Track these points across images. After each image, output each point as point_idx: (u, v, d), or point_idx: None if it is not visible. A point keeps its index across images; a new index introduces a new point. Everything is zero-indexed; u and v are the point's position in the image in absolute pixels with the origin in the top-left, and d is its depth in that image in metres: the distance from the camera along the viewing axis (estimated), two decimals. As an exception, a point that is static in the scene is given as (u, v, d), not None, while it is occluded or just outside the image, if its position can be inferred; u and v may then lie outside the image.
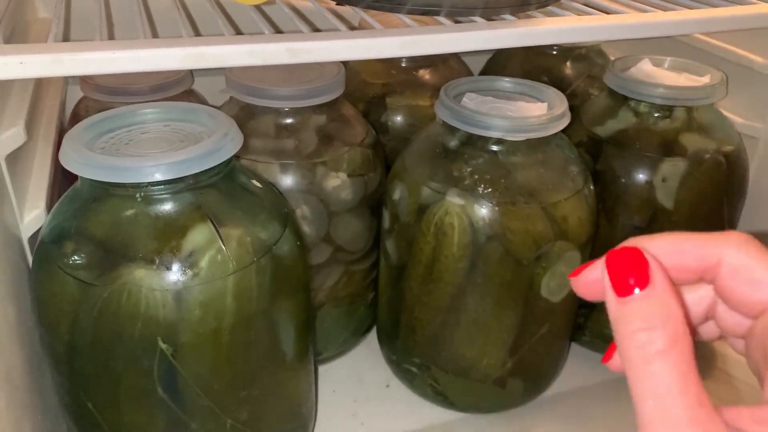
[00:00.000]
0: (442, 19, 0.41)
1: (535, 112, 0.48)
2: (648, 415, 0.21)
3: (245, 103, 0.50)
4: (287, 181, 0.50)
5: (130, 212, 0.36)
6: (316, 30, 0.38)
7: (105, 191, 0.36)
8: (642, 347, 0.21)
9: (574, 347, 0.62)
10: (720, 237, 0.24)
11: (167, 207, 0.36)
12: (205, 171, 0.36)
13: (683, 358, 0.21)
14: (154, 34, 0.47)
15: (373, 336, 0.61)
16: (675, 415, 0.20)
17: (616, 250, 0.23)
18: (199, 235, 0.36)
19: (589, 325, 0.61)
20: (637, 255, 0.23)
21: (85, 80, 0.58)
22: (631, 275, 0.22)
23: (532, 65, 0.71)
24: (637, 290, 0.22)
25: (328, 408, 0.56)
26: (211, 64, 0.33)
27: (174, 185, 0.36)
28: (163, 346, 0.36)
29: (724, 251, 0.24)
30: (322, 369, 0.60)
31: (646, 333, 0.21)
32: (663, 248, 0.25)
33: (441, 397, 0.54)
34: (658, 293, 0.22)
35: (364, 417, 0.55)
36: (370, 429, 0.54)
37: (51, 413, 0.44)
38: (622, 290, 0.22)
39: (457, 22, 0.42)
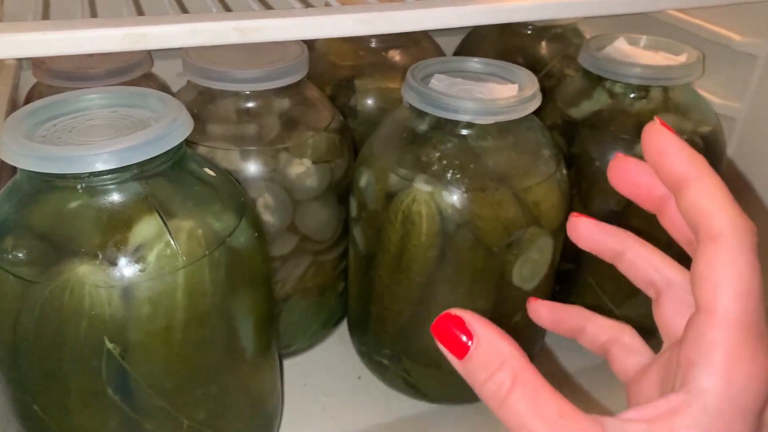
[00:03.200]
0: (405, -4, 0.39)
1: (505, 93, 0.46)
2: None
3: (204, 87, 0.48)
4: (249, 168, 0.48)
5: (72, 205, 0.34)
6: (270, 8, 0.36)
7: (45, 183, 0.34)
8: (494, 394, 0.23)
9: (549, 335, 0.61)
10: (680, 267, 0.29)
11: (112, 198, 0.34)
12: (152, 159, 0.34)
13: (530, 386, 0.23)
14: (94, 14, 0.44)
15: (344, 328, 0.60)
16: (541, 425, 0.22)
17: (434, 323, 0.24)
18: (146, 227, 0.34)
19: (564, 312, 0.59)
20: (453, 318, 0.24)
21: (37, 65, 0.55)
22: (458, 335, 0.24)
23: (507, 45, 0.69)
24: (470, 343, 0.24)
25: (298, 401, 0.54)
26: (153, 45, 0.30)
27: (118, 175, 0.33)
28: (110, 345, 0.34)
29: (679, 277, 0.28)
30: (291, 362, 0.58)
31: (491, 381, 0.23)
32: (634, 247, 0.29)
33: (413, 389, 0.53)
34: (483, 343, 0.23)
35: (334, 410, 0.54)
36: (340, 422, 0.53)
37: (1, 415, 0.41)
38: (459, 352, 0.24)
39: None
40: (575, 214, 0.30)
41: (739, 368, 0.22)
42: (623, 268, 0.29)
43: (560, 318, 0.33)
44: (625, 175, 0.27)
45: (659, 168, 0.26)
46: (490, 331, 0.24)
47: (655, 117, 0.27)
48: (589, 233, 0.30)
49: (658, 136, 0.26)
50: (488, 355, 0.23)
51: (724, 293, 0.22)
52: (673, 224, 0.27)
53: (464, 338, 0.24)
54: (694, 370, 0.22)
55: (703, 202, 0.24)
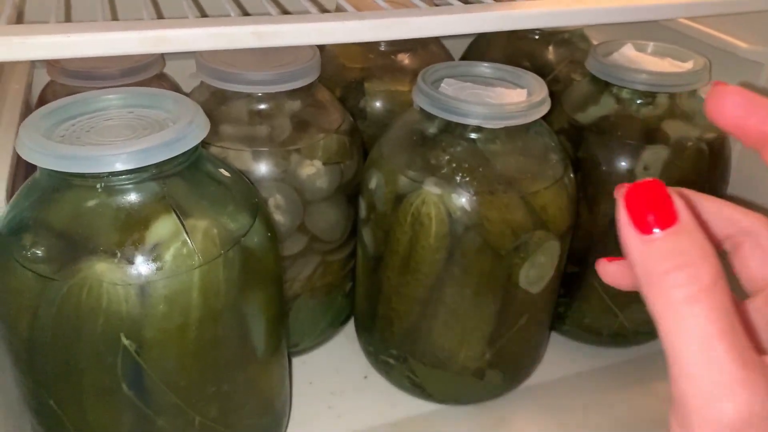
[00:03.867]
0: (418, 2, 0.40)
1: (514, 98, 0.47)
2: (693, 361, 0.18)
3: (216, 88, 0.48)
4: (260, 169, 0.48)
5: (90, 203, 0.34)
6: (286, 13, 0.36)
7: (64, 182, 0.34)
8: (679, 288, 0.19)
9: (554, 337, 0.61)
10: (755, 213, 0.24)
11: (130, 198, 0.34)
12: (170, 160, 0.34)
13: (727, 298, 0.19)
14: (114, 17, 0.45)
15: (350, 327, 0.60)
16: (724, 358, 0.18)
17: (634, 184, 0.20)
18: (163, 227, 0.35)
19: (569, 314, 0.60)
20: (659, 188, 0.20)
21: (51, 64, 0.56)
22: (655, 210, 0.20)
23: (514, 50, 0.70)
24: (657, 230, 0.19)
25: (305, 400, 0.55)
26: (173, 48, 0.31)
27: (136, 175, 0.34)
28: (127, 342, 0.34)
29: (756, 223, 0.24)
30: (298, 360, 0.58)
31: (682, 271, 0.19)
32: (701, 203, 0.24)
33: (419, 389, 0.53)
34: (689, 228, 0.19)
35: (341, 409, 0.55)
36: (347, 421, 0.54)
37: (15, 410, 0.42)
38: (645, 227, 0.19)
39: (435, 5, 0.40)
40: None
41: None
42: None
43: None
44: (724, 103, 0.24)
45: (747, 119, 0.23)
46: (698, 224, 0.20)
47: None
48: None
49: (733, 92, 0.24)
50: (688, 244, 0.19)
51: None
52: None
53: (654, 218, 0.20)
54: None
55: None
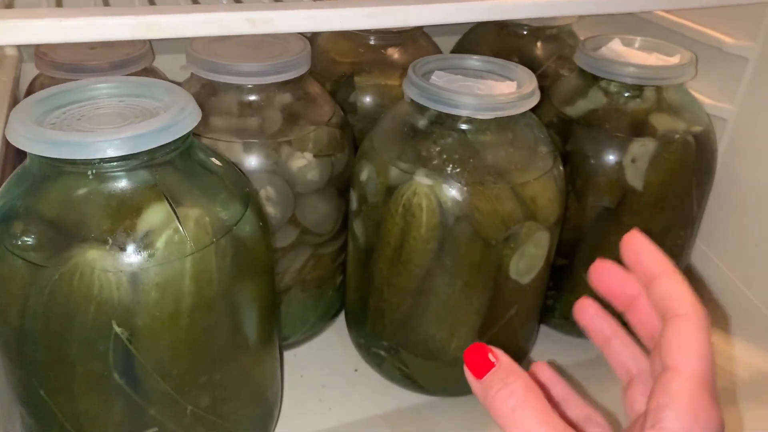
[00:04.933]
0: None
1: (504, 90, 0.47)
2: None
3: (207, 80, 0.48)
4: (251, 160, 0.48)
5: (81, 191, 0.34)
6: (279, 0, 0.37)
7: (55, 169, 0.34)
8: (505, 400, 0.27)
9: (544, 329, 0.62)
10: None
11: (121, 185, 0.34)
12: (161, 147, 0.34)
13: (541, 400, 0.27)
14: (106, 3, 0.45)
15: (341, 320, 0.60)
16: None
17: (467, 350, 0.30)
18: (154, 214, 0.35)
19: (558, 307, 0.60)
20: (481, 347, 0.30)
21: (40, 56, 0.55)
22: (480, 363, 0.29)
23: (503, 45, 0.70)
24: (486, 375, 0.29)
25: (296, 392, 0.55)
26: (165, 34, 0.31)
27: (128, 162, 0.34)
28: (118, 329, 0.34)
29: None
30: (289, 353, 0.58)
31: (504, 389, 0.28)
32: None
33: (410, 380, 0.54)
34: (504, 364, 0.29)
35: (332, 401, 0.55)
36: (338, 413, 0.54)
37: (4, 401, 0.42)
38: (479, 372, 0.29)
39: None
40: (585, 298, 0.36)
41: (702, 411, 0.26)
42: (608, 352, 0.35)
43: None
44: (604, 275, 0.33)
45: (636, 265, 0.32)
46: (512, 362, 0.29)
47: (633, 229, 0.33)
48: (591, 315, 0.35)
49: (636, 240, 0.32)
50: (505, 371, 0.28)
51: (690, 354, 0.27)
52: (640, 320, 0.33)
53: (482, 363, 0.29)
54: (664, 412, 0.26)
55: (670, 290, 0.30)
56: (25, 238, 0.34)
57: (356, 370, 0.57)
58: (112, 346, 0.35)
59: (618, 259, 0.33)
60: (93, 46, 0.57)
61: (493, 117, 0.44)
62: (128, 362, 0.35)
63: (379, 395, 0.55)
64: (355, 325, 0.57)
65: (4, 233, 0.35)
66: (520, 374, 0.28)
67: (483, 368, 0.29)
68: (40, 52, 0.55)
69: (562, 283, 0.59)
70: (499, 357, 0.29)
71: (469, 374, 0.29)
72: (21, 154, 0.35)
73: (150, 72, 0.59)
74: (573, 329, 0.61)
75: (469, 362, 0.29)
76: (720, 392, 0.28)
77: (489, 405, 0.28)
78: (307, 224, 0.52)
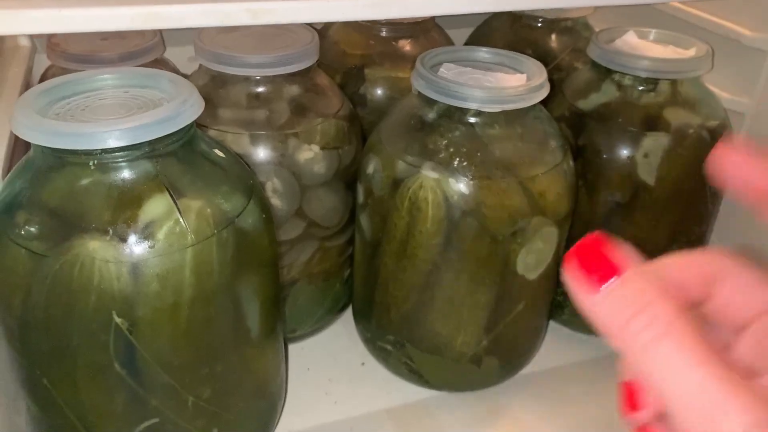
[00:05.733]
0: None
1: (513, 83, 0.46)
2: (679, 395, 0.18)
3: (215, 72, 0.48)
4: (258, 152, 0.48)
5: (83, 181, 0.34)
6: (282, -8, 0.36)
7: (58, 159, 0.34)
8: (643, 331, 0.19)
9: (553, 326, 0.61)
10: (717, 253, 0.23)
11: (123, 176, 0.34)
12: (163, 138, 0.34)
13: (693, 327, 0.19)
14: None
15: (349, 314, 0.60)
16: (709, 384, 0.18)
17: (574, 247, 0.21)
18: (156, 205, 0.35)
19: (568, 303, 0.60)
20: (596, 245, 0.20)
21: (52, 47, 0.56)
22: (596, 268, 0.20)
23: (517, 38, 0.69)
24: (604, 286, 0.20)
25: (302, 386, 0.55)
26: (165, 25, 0.31)
27: (129, 152, 0.34)
28: (119, 320, 0.34)
29: (727, 263, 0.23)
30: (296, 347, 0.58)
31: (641, 315, 0.19)
32: (666, 268, 0.23)
33: (416, 375, 0.53)
34: (633, 275, 0.20)
35: (338, 395, 0.54)
36: (344, 407, 0.53)
37: (9, 389, 0.42)
38: (592, 286, 0.20)
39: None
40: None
41: None
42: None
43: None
44: (732, 165, 0.24)
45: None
46: (646, 268, 0.20)
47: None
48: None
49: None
50: (643, 286, 0.20)
51: None
52: None
53: (603, 272, 0.20)
54: None
55: None
56: (28, 228, 0.35)
57: (363, 364, 0.57)
58: (113, 337, 0.35)
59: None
60: (104, 37, 0.57)
61: (501, 110, 0.44)
62: (129, 353, 0.36)
63: (386, 390, 0.55)
64: (361, 319, 0.57)
65: (7, 223, 0.35)
66: (662, 288, 0.19)
67: (597, 279, 0.20)
68: (52, 43, 0.56)
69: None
70: (622, 263, 0.20)
71: (575, 288, 0.20)
72: (29, 145, 0.35)
73: (160, 63, 0.59)
74: (583, 326, 0.61)
75: (575, 269, 0.20)
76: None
77: (614, 336, 0.20)
78: (314, 217, 0.52)
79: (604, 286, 0.20)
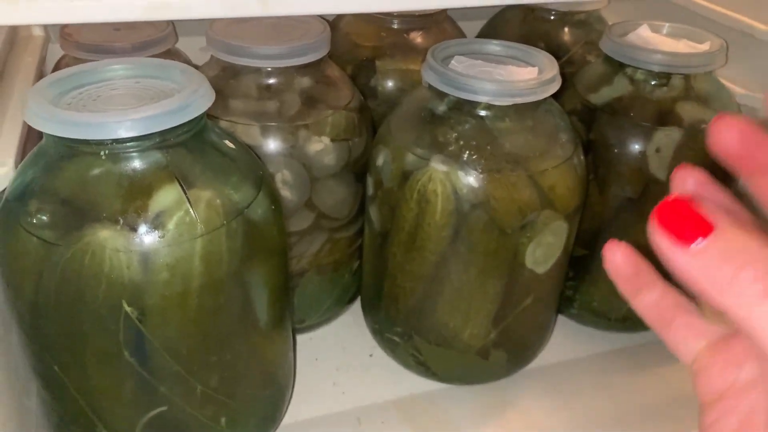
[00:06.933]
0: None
1: (524, 76, 0.46)
2: None
3: (226, 63, 0.48)
4: (268, 144, 0.48)
5: (94, 171, 0.35)
6: (293, -17, 0.36)
7: (69, 149, 0.35)
8: (752, 285, 0.17)
9: (562, 320, 0.61)
10: None
11: (133, 166, 0.35)
12: (174, 129, 0.34)
13: None
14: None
15: (357, 306, 0.60)
16: None
17: (661, 204, 0.20)
18: (166, 195, 0.35)
19: (577, 297, 0.59)
20: (684, 201, 0.19)
21: (65, 37, 0.56)
22: (690, 223, 0.19)
23: (530, 31, 0.69)
24: (699, 240, 0.19)
25: (310, 376, 0.55)
26: (175, 15, 0.31)
27: (140, 143, 0.34)
28: (128, 308, 0.35)
29: None
30: (305, 337, 0.59)
31: (749, 269, 0.18)
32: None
33: (423, 367, 0.53)
34: (731, 228, 0.19)
35: (345, 385, 0.55)
36: (351, 397, 0.54)
37: (21, 374, 0.43)
38: (686, 240, 0.19)
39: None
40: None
41: None
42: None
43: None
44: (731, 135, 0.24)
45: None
46: (737, 220, 0.19)
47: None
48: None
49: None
50: (745, 237, 0.18)
51: None
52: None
53: (698, 226, 0.19)
54: None
55: None
56: (40, 217, 0.35)
57: (371, 355, 0.57)
58: (123, 325, 0.35)
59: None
60: (117, 27, 0.58)
61: (511, 103, 0.44)
62: (138, 341, 0.36)
63: (393, 381, 0.55)
64: (370, 310, 0.57)
65: (19, 211, 0.35)
66: (762, 237, 0.18)
67: (692, 233, 0.19)
68: (65, 33, 0.56)
69: (582, 274, 0.58)
70: (717, 217, 0.19)
71: (667, 245, 0.19)
72: (41, 134, 0.36)
73: (172, 54, 0.59)
74: (592, 320, 0.61)
75: (665, 224, 0.19)
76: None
77: (718, 291, 0.18)
78: (324, 208, 0.52)
79: (695, 243, 0.19)
